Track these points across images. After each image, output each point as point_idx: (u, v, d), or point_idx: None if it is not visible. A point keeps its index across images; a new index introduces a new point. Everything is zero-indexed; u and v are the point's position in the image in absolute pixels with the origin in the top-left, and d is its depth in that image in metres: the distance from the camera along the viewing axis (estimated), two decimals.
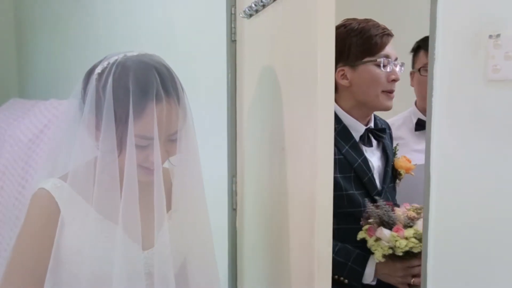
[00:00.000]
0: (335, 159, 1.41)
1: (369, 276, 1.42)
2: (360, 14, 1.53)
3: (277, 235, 1.28)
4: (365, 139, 1.50)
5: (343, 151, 1.46)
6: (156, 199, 1.03)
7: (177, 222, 1.10)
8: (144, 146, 1.01)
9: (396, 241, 1.35)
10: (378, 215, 1.40)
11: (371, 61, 1.46)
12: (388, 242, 1.37)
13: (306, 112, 1.06)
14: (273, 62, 1.27)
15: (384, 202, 1.43)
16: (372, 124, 1.54)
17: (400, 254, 1.37)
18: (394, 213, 1.40)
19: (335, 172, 1.40)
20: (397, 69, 1.48)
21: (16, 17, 3.80)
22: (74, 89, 1.09)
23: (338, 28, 1.50)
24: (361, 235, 1.44)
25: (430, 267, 0.96)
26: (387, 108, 1.50)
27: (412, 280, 1.40)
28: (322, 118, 0.99)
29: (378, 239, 1.39)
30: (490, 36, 0.85)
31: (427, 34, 0.97)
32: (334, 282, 1.42)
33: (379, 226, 1.40)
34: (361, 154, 1.48)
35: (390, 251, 1.37)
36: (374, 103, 1.48)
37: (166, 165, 1.10)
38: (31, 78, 3.65)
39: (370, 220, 1.43)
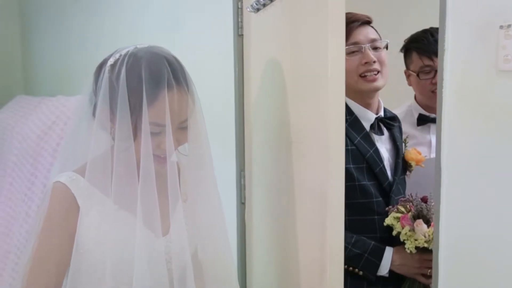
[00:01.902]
0: (347, 150, 1.43)
1: (384, 268, 1.43)
2: (369, 5, 1.52)
3: (287, 229, 1.28)
4: (376, 127, 1.51)
5: (355, 141, 1.47)
6: (169, 185, 1.05)
7: (188, 211, 1.12)
8: (156, 133, 1.03)
9: (418, 239, 1.37)
10: (421, 208, 1.41)
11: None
12: (424, 236, 1.37)
13: (316, 105, 1.06)
14: (280, 56, 1.28)
15: (419, 198, 1.45)
16: (382, 113, 1.56)
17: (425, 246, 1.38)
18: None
19: (348, 163, 1.41)
20: (370, 51, 1.47)
21: (21, 15, 3.81)
22: (85, 85, 1.11)
23: None
24: (389, 221, 1.43)
25: (442, 258, 0.96)
26: (369, 90, 1.49)
27: (429, 271, 1.40)
28: (333, 110, 0.99)
29: (411, 230, 1.39)
30: (501, 27, 0.85)
31: (436, 26, 0.97)
32: (348, 273, 1.44)
33: (415, 218, 1.40)
34: (372, 144, 1.49)
35: (426, 245, 1.37)
36: (355, 88, 1.49)
37: (174, 157, 1.11)
38: (36, 76, 3.66)
39: (400, 207, 1.43)
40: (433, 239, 1.34)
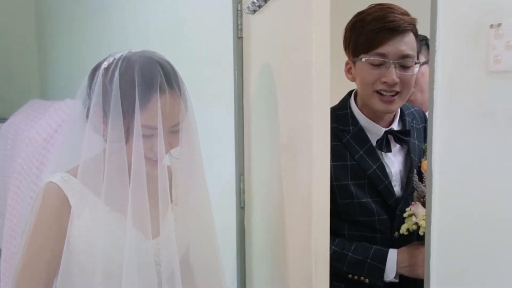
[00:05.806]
0: (347, 165, 1.33)
1: (390, 271, 1.31)
2: (359, 6, 1.42)
3: (281, 233, 1.27)
4: (383, 143, 1.36)
5: (357, 156, 1.35)
6: (160, 188, 1.06)
7: (179, 215, 1.13)
8: (148, 136, 1.04)
9: (423, 220, 1.23)
10: (423, 192, 1.31)
11: (364, 59, 1.31)
12: (417, 219, 1.27)
13: (303, 109, 1.05)
14: (273, 59, 1.27)
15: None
16: (395, 126, 1.40)
17: (422, 234, 1.24)
18: None
19: (346, 179, 1.33)
20: (396, 70, 1.29)
21: (38, 25, 3.92)
22: (79, 88, 1.12)
23: (354, 17, 1.37)
24: (405, 227, 1.30)
25: (433, 263, 0.94)
26: (382, 111, 1.35)
27: None
28: (317, 115, 0.97)
29: (411, 215, 1.29)
30: (491, 26, 0.83)
31: (427, 27, 0.95)
32: (355, 282, 1.36)
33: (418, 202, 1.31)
34: (377, 160, 1.35)
35: (415, 227, 1.27)
36: (369, 103, 1.35)
37: (167, 160, 1.12)
38: (51, 81, 3.73)
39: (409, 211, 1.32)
40: (423, 222, 1.25)
